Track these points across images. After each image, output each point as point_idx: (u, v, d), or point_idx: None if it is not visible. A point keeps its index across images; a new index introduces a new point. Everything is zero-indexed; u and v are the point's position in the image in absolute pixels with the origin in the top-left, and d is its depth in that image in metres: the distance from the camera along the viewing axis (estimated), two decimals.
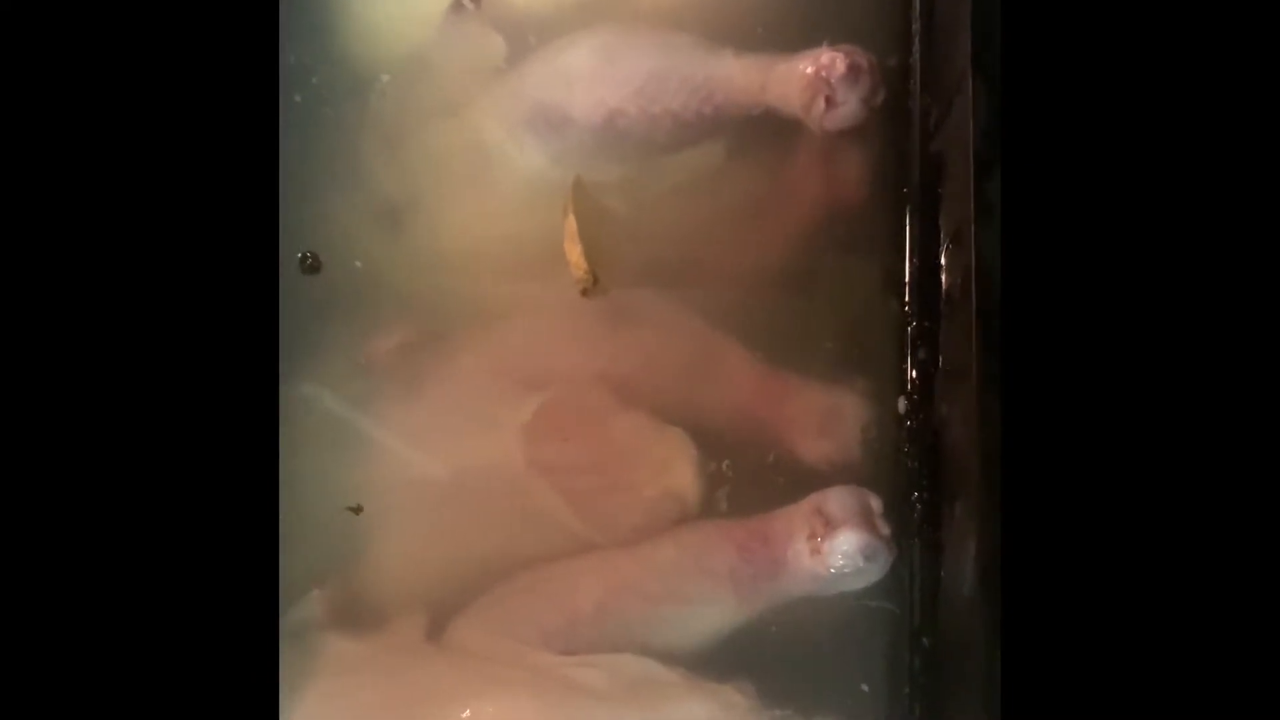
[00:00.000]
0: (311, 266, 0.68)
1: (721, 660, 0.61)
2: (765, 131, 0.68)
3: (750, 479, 0.64)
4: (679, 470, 0.64)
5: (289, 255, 0.67)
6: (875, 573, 0.60)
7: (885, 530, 0.60)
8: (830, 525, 0.60)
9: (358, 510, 0.65)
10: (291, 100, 0.70)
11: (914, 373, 0.63)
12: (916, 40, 0.66)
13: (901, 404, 0.63)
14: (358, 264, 0.69)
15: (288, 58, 0.70)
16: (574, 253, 0.66)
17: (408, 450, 0.66)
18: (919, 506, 0.61)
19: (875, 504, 0.61)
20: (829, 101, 0.65)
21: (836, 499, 0.61)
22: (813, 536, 0.60)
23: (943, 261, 0.60)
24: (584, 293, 0.66)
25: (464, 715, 0.58)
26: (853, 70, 0.64)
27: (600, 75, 0.68)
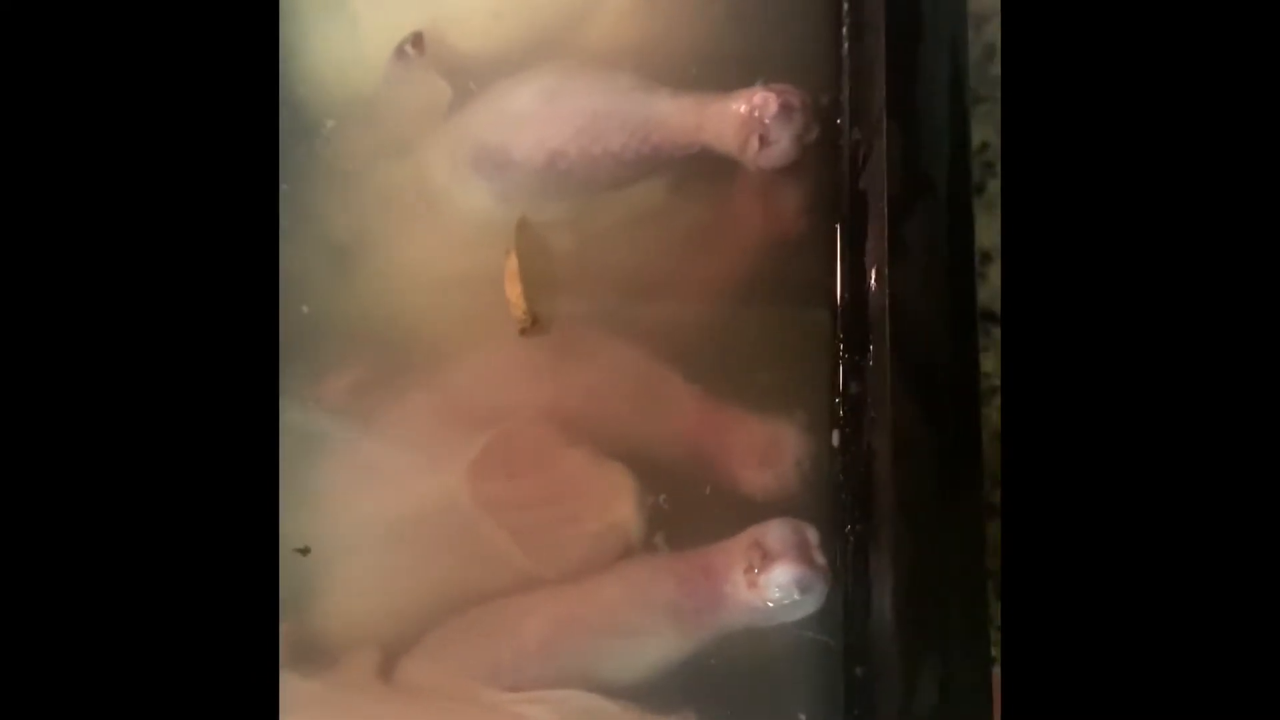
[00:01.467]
0: None
1: (664, 693, 0.62)
2: (704, 169, 0.68)
3: (688, 511, 0.64)
4: (620, 504, 0.65)
5: None
6: (811, 604, 0.61)
7: (821, 562, 0.61)
8: (767, 558, 0.60)
9: (305, 552, 0.66)
10: None
11: (846, 406, 0.64)
12: (845, 77, 0.67)
13: (835, 436, 0.64)
14: (305, 309, 0.70)
15: None
16: (514, 292, 0.67)
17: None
18: (851, 539, 0.61)
19: (812, 536, 0.62)
20: (762, 140, 0.66)
21: (774, 532, 0.61)
22: (750, 569, 0.60)
23: (868, 298, 0.61)
24: (522, 332, 0.67)
25: None
26: (785, 109, 0.65)
27: (542, 117, 0.69)
